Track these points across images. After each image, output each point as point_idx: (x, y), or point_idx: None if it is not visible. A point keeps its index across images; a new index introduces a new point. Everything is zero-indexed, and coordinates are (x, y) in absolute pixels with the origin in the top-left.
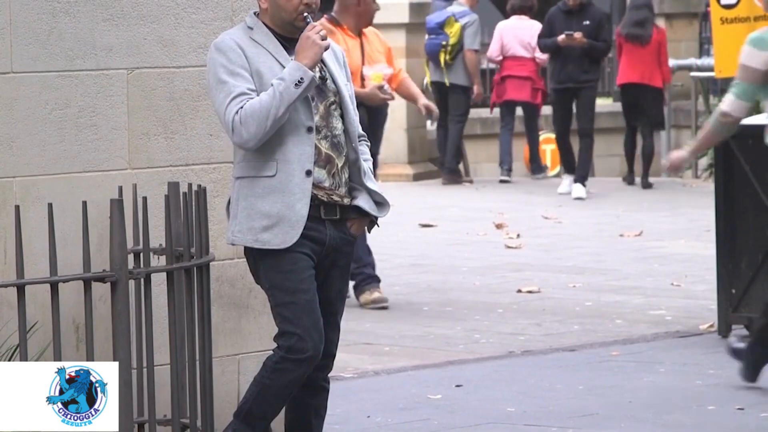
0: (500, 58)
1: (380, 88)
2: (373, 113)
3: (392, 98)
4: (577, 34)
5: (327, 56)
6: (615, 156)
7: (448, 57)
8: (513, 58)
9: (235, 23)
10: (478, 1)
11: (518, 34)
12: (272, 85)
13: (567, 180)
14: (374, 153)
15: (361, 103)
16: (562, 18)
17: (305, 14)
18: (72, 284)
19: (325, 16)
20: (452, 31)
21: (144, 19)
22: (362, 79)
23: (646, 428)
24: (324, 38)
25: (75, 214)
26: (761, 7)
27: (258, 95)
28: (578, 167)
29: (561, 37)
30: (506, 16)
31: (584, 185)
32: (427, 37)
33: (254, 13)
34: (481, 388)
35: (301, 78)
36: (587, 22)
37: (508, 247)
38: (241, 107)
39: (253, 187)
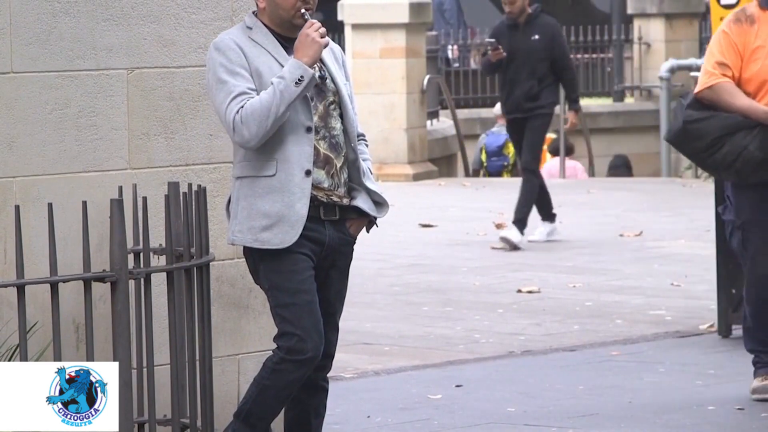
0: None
1: None
2: None
3: None
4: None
5: (326, 55)
6: (615, 156)
7: (509, 176)
8: None
9: (235, 23)
10: None
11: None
12: (272, 83)
13: (543, 227)
14: None
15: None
16: (507, 33)
17: (303, 11)
18: (72, 284)
19: None
20: (510, 152)
21: (144, 19)
22: None
23: (646, 428)
24: (323, 36)
25: (75, 214)
26: None
27: (258, 94)
28: (516, 208)
29: (489, 54)
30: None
31: (522, 232)
32: (485, 157)
33: (253, 13)
34: (481, 388)
35: (301, 76)
36: (536, 37)
37: None
38: (242, 107)
39: (253, 186)
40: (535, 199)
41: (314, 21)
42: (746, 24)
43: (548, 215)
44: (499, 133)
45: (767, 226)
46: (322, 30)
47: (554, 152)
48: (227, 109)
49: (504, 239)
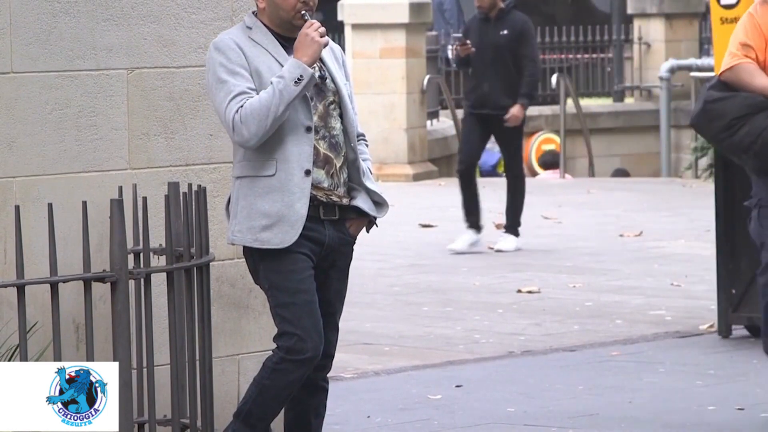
0: None
1: None
2: None
3: None
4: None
5: (326, 55)
6: (615, 156)
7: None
8: None
9: (235, 23)
10: None
11: None
12: (272, 83)
13: (467, 235)
14: None
15: None
16: (478, 27)
17: (303, 12)
18: (72, 284)
19: None
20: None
21: (144, 19)
22: None
23: (646, 428)
24: (323, 35)
25: (75, 214)
26: None
27: (258, 94)
28: (507, 213)
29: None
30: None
31: (517, 233)
32: (478, 175)
33: (253, 13)
34: (481, 388)
35: (301, 75)
36: (505, 32)
37: None
38: (241, 106)
39: (252, 186)
40: (523, 201)
41: (314, 21)
42: None
43: (476, 225)
44: (492, 150)
45: None
46: (322, 29)
47: (545, 166)
48: (227, 109)
49: (500, 251)
